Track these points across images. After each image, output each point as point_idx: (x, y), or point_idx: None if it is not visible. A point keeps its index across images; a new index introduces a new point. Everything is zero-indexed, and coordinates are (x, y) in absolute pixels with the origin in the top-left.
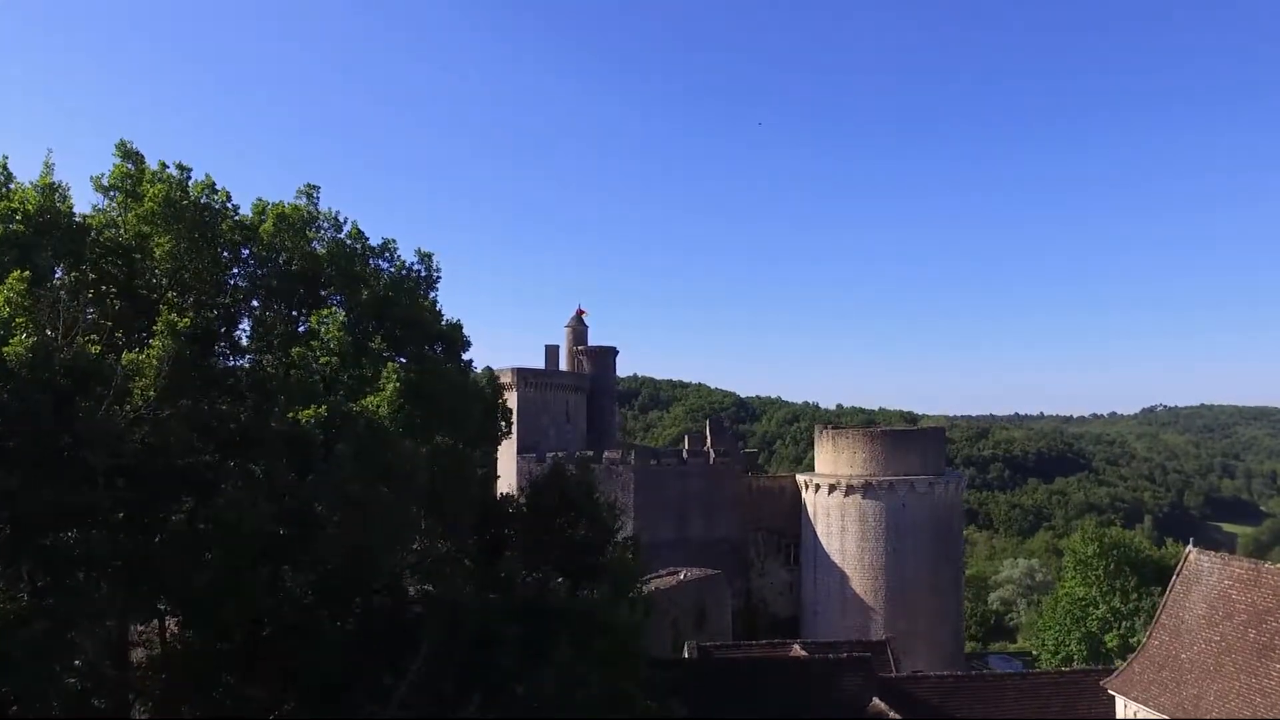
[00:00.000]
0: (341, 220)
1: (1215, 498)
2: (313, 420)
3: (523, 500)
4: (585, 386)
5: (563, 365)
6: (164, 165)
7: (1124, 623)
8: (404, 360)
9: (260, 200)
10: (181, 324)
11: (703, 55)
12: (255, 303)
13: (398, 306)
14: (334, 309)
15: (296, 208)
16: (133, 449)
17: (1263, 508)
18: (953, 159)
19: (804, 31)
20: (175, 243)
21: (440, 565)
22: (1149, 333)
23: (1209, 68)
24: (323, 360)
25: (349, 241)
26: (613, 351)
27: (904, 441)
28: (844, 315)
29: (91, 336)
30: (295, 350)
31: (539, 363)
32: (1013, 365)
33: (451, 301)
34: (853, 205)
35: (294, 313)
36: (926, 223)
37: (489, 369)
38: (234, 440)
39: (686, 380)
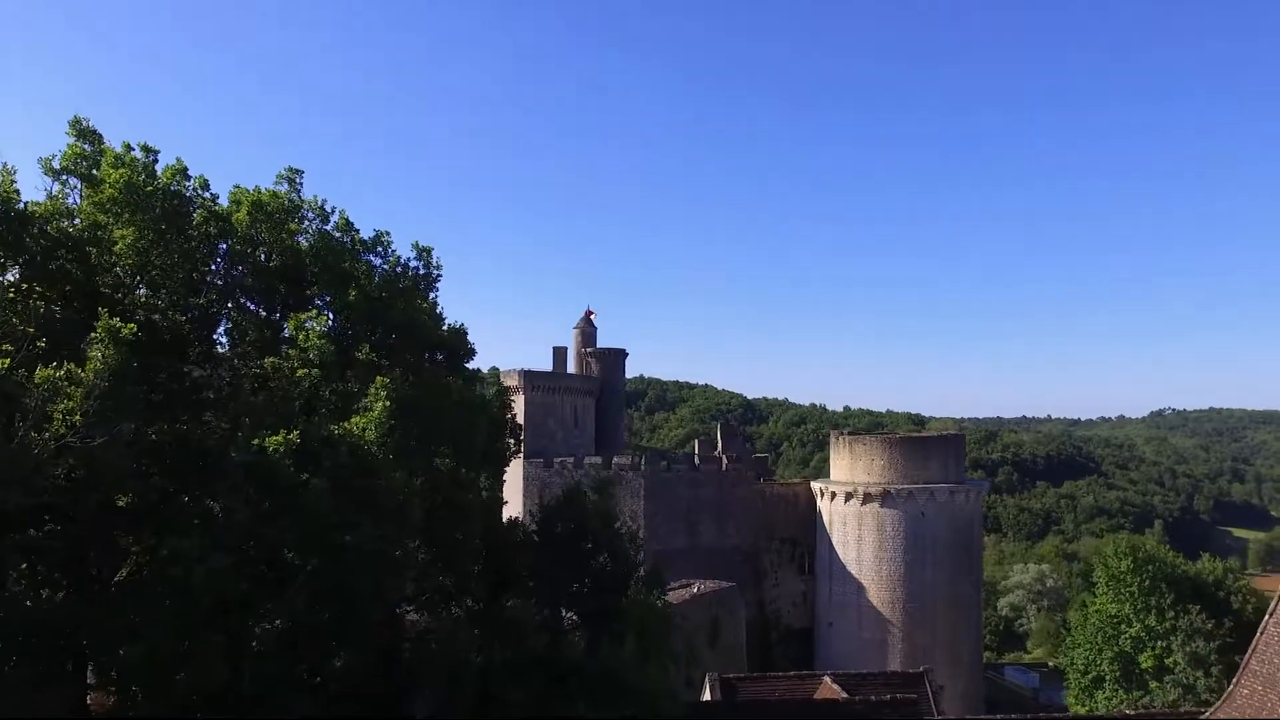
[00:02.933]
0: (329, 210)
1: (1225, 502)
2: (281, 448)
3: (533, 527)
4: (594, 390)
5: (570, 368)
6: (128, 147)
7: (1159, 642)
8: (399, 372)
9: (239, 188)
10: (125, 330)
11: (713, 53)
12: (232, 305)
13: (391, 309)
14: (315, 312)
15: (275, 194)
16: (56, 485)
17: (1273, 513)
18: (960, 158)
19: (813, 25)
20: (139, 235)
21: (440, 599)
22: (1157, 335)
23: (1215, 61)
24: (300, 373)
25: (337, 234)
26: (622, 354)
27: (923, 448)
28: (850, 316)
29: (5, 346)
30: (268, 361)
31: (546, 365)
32: (1020, 367)
33: (456, 303)
34: (861, 206)
35: (274, 316)
36: (933, 224)
37: (495, 369)
38: (193, 471)
39: (693, 381)
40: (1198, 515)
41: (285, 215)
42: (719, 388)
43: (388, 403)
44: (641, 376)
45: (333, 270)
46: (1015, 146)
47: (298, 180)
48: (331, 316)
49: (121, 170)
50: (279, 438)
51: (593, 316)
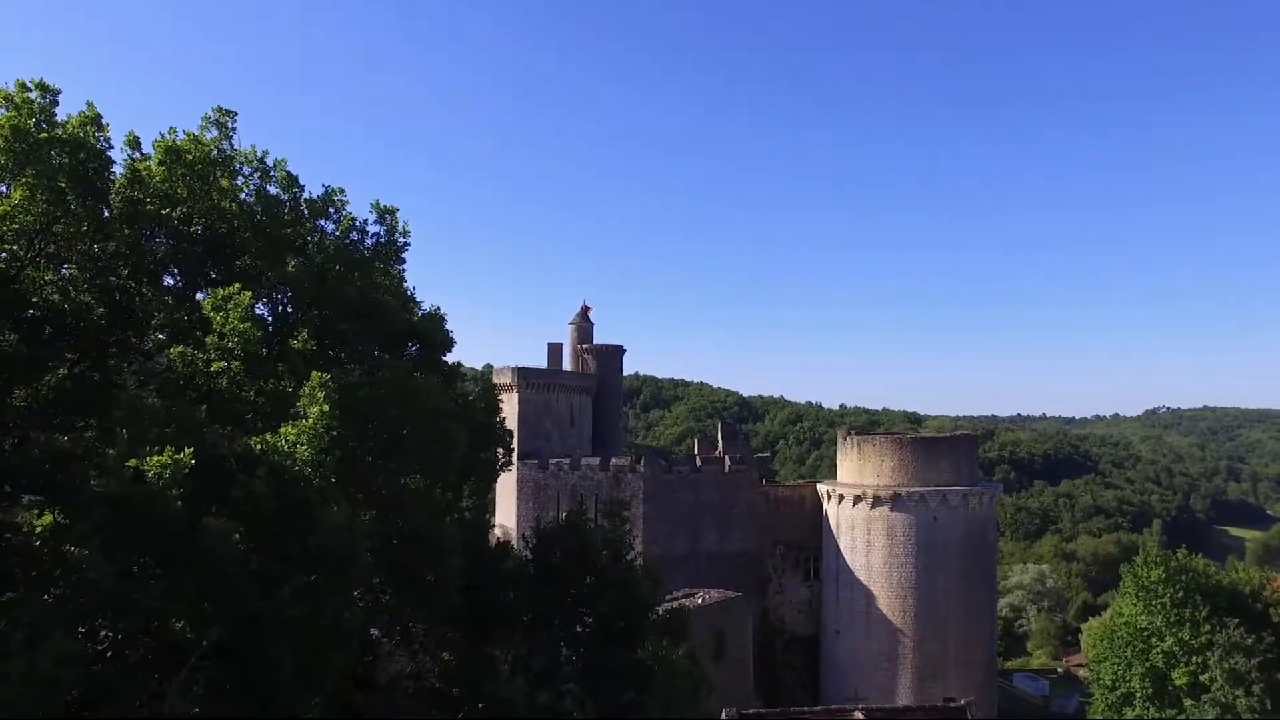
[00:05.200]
0: (269, 163)
1: (1221, 501)
2: (166, 473)
3: (527, 553)
4: (591, 387)
5: (566, 364)
6: (22, 86)
7: (1194, 658)
8: (356, 367)
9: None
10: None
11: (711, 49)
12: (147, 280)
13: (345, 285)
14: (237, 286)
15: (197, 140)
16: None
17: (1269, 511)
18: (955, 155)
19: (809, 22)
20: (30, 194)
21: (410, 641)
22: (1151, 333)
23: (1210, 51)
24: (216, 367)
25: (279, 193)
26: (620, 350)
27: (935, 449)
28: (846, 314)
29: None
30: (175, 351)
31: (541, 361)
32: (1014, 365)
33: (451, 298)
34: (857, 203)
35: (202, 296)
36: (928, 221)
37: (489, 366)
38: (60, 502)
39: (688, 379)
40: (1195, 514)
41: (211, 167)
42: (714, 385)
43: (326, 407)
44: (637, 374)
45: (268, 236)
46: (1010, 143)
47: (229, 124)
48: (268, 294)
49: (9, 113)
50: (162, 458)
51: (589, 312)
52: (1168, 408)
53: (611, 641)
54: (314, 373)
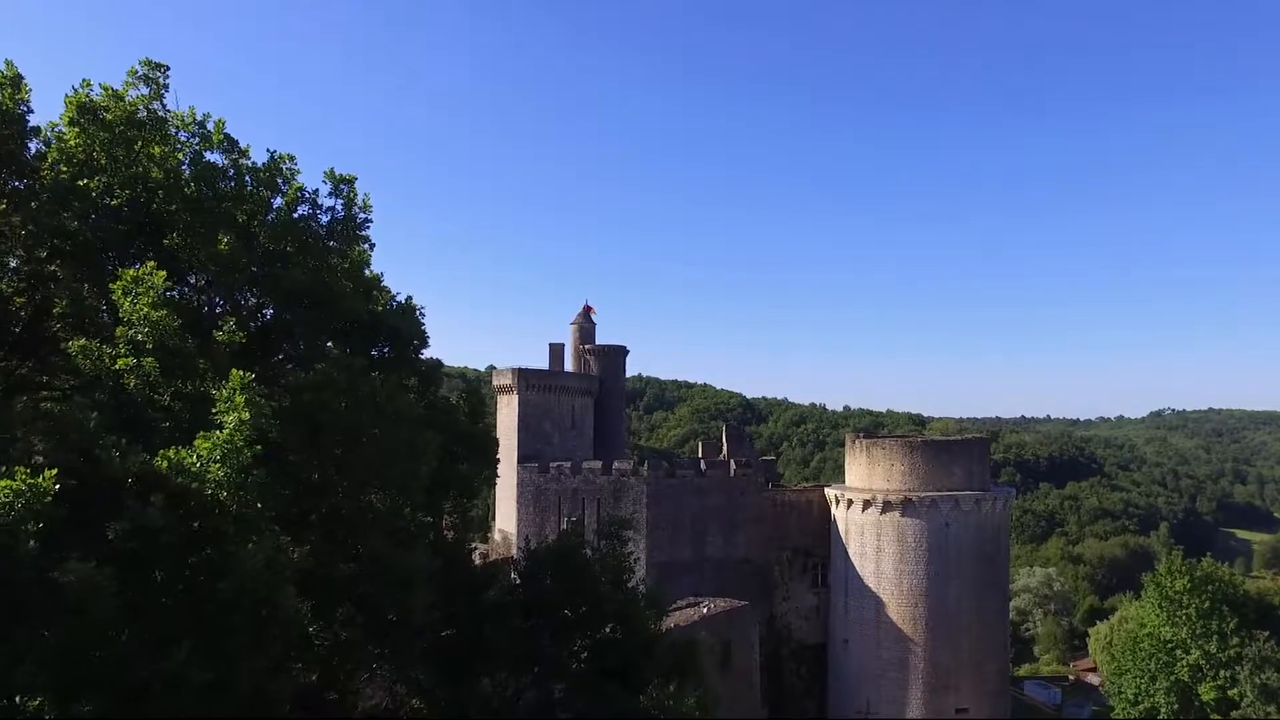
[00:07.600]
0: (209, 126)
1: (1227, 503)
2: (19, 502)
3: (515, 577)
4: (593, 389)
5: (568, 365)
6: None
7: (1222, 671)
8: (296, 365)
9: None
10: None
11: (714, 48)
12: (60, 264)
13: (293, 268)
14: (151, 265)
15: (118, 97)
16: None
17: (1276, 514)
18: (958, 155)
19: (813, 21)
20: None
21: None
22: (1156, 335)
23: (1216, 52)
24: (122, 364)
25: (221, 159)
26: (623, 351)
27: (947, 453)
28: (850, 315)
29: None
30: (75, 345)
31: (542, 362)
32: (1018, 367)
33: (450, 297)
34: (860, 204)
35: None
36: (931, 221)
37: (491, 367)
38: None
39: (692, 380)
40: (1201, 516)
41: (136, 130)
42: (718, 387)
43: (246, 415)
44: (640, 375)
45: (203, 209)
46: (1014, 144)
47: (160, 80)
48: (198, 277)
49: None
50: (14, 483)
51: (591, 312)
52: (1173, 409)
53: (610, 677)
54: (233, 371)
